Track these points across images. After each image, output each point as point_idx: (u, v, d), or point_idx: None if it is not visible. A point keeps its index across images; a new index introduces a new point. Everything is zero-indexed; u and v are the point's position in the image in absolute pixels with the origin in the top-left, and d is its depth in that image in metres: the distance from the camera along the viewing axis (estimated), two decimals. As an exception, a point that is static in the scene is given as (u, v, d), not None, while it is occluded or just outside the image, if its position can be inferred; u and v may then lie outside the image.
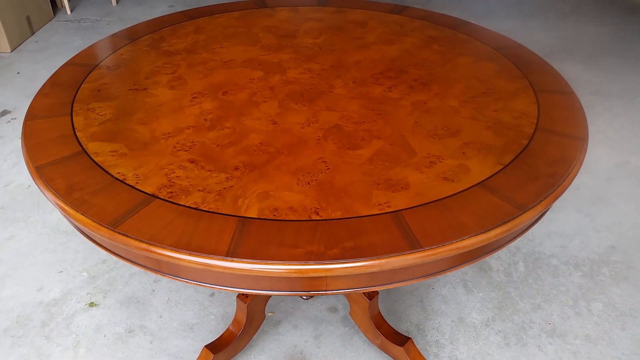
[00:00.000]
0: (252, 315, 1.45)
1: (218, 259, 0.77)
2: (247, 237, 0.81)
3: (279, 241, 0.80)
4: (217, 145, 1.02)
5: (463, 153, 1.00)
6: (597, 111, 2.73)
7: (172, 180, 0.93)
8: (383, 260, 0.77)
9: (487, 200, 0.88)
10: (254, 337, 1.57)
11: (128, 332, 1.62)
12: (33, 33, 3.58)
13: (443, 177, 0.94)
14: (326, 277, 0.80)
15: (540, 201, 0.88)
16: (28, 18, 3.50)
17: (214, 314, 1.68)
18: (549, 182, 0.92)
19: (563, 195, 0.91)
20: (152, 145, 1.02)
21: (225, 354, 1.43)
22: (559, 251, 1.93)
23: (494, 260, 1.88)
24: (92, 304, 1.72)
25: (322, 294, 0.79)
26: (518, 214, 0.85)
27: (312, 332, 1.62)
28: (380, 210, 0.86)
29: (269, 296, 1.47)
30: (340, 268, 0.77)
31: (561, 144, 1.02)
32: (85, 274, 1.83)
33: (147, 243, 0.80)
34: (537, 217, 0.89)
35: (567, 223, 2.05)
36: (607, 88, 2.93)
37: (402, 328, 1.63)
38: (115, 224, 0.83)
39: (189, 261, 0.78)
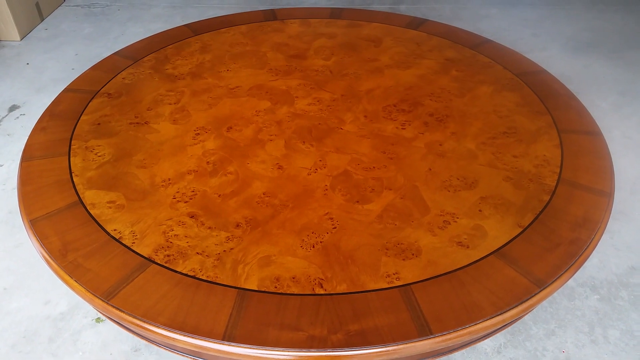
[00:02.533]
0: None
1: (214, 342, 0.73)
2: (246, 315, 0.77)
3: (280, 322, 0.76)
4: (219, 196, 0.97)
5: (480, 211, 0.94)
6: (624, 113, 2.61)
7: (169, 240, 0.89)
8: (390, 348, 0.72)
9: (504, 273, 0.82)
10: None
11: (134, 351, 1.61)
12: (42, 20, 3.52)
13: (457, 241, 0.88)
14: (329, 363, 0.76)
15: (560, 275, 0.82)
16: (37, 5, 3.44)
17: (221, 332, 1.66)
18: (570, 251, 0.86)
19: None
20: (151, 194, 0.98)
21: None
22: (577, 271, 1.86)
23: (508, 279, 1.83)
24: (98, 320, 1.71)
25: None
26: (536, 291, 0.80)
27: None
28: (388, 283, 0.81)
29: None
30: (345, 356, 0.72)
31: (585, 201, 0.95)
32: (92, 286, 1.81)
33: (140, 320, 0.76)
34: (554, 292, 0.83)
35: (585, 239, 1.98)
36: (635, 87, 2.80)
37: (411, 354, 1.59)
38: (109, 296, 0.79)
39: (184, 342, 0.74)
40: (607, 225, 2.04)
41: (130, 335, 1.65)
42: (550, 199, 0.95)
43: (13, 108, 2.72)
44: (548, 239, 0.88)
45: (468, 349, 1.64)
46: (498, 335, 1.65)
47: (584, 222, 0.91)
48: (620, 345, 1.62)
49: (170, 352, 0.86)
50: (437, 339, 0.73)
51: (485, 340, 1.64)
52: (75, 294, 0.80)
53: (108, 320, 1.69)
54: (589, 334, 1.66)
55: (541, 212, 0.93)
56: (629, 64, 2.99)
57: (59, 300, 1.78)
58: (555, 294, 1.77)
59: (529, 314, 1.74)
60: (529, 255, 0.85)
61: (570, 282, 1.82)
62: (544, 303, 1.75)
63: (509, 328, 1.66)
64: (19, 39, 3.28)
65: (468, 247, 0.87)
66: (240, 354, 0.73)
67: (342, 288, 0.80)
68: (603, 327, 1.68)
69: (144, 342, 1.63)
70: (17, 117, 2.64)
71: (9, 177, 2.25)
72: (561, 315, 1.73)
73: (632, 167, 2.31)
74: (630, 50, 3.11)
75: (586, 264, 1.88)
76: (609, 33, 3.30)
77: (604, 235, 2.00)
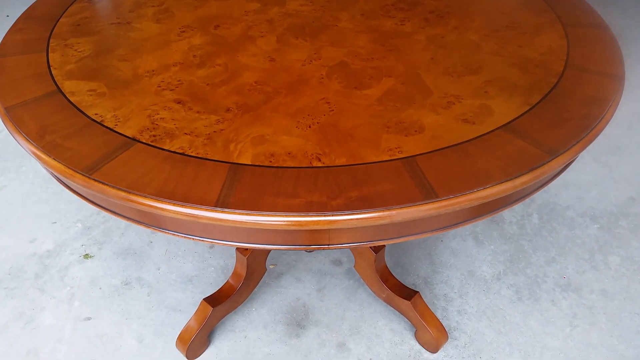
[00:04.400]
0: (252, 268, 1.38)
1: (206, 210, 0.68)
2: (240, 185, 0.71)
3: (276, 190, 0.71)
4: (207, 84, 0.91)
5: (485, 92, 0.88)
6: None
7: (155, 122, 0.83)
8: (393, 212, 0.68)
9: (513, 144, 0.77)
10: (255, 289, 1.50)
11: (124, 285, 1.56)
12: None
13: (463, 119, 0.83)
14: (329, 230, 0.71)
15: (573, 145, 0.78)
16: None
17: (214, 266, 1.61)
18: (582, 124, 0.81)
19: None
20: (134, 83, 0.92)
21: (224, 307, 1.37)
22: (575, 203, 1.83)
23: (506, 211, 1.79)
24: (86, 256, 1.65)
25: (324, 249, 0.70)
26: (548, 159, 0.75)
27: (315, 285, 1.55)
28: (390, 156, 0.76)
29: (270, 248, 1.40)
30: (345, 220, 0.68)
31: (595, 83, 0.90)
32: (79, 224, 1.76)
33: (125, 191, 0.70)
34: (567, 162, 0.78)
35: (584, 173, 1.95)
36: (629, 32, 2.76)
37: (409, 281, 1.56)
38: (90, 170, 0.74)
39: (174, 212, 0.69)
40: (605, 158, 2.01)
41: (121, 269, 1.60)
42: (559, 81, 0.90)
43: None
44: (558, 114, 0.83)
45: (466, 274, 1.61)
46: (497, 262, 1.63)
47: (595, 100, 0.86)
48: (621, 270, 1.60)
49: (159, 232, 0.80)
50: (443, 202, 0.69)
51: (484, 267, 1.61)
52: (54, 171, 0.74)
53: (97, 256, 1.64)
54: (589, 260, 1.64)
55: (550, 91, 0.88)
56: (624, 9, 2.94)
57: (45, 239, 1.72)
58: (554, 224, 1.74)
59: (528, 241, 1.71)
60: (539, 129, 0.80)
61: (570, 212, 1.79)
62: (544, 232, 1.72)
63: (508, 255, 1.63)
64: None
65: (474, 123, 0.82)
66: (234, 221, 0.67)
67: (341, 161, 0.75)
68: (603, 254, 1.65)
69: (134, 275, 1.58)
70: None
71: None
72: (561, 243, 1.70)
73: (628, 104, 2.27)
74: (627, -6, 3.05)
75: (585, 195, 1.85)
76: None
77: (602, 168, 1.97)
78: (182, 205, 0.69)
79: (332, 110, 0.85)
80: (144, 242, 1.69)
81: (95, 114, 0.84)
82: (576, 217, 1.78)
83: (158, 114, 0.84)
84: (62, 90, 0.90)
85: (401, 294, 1.37)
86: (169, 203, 0.69)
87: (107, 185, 0.72)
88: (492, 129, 0.80)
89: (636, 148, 2.06)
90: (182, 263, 1.62)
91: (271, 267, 1.60)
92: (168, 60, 0.97)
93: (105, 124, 0.82)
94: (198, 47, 1.01)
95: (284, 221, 0.67)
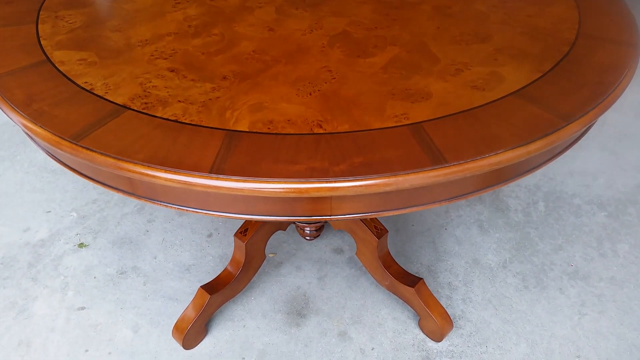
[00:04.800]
0: (251, 255, 1.33)
1: (201, 177, 0.64)
2: (236, 152, 0.67)
3: (275, 157, 0.66)
4: (203, 54, 0.87)
5: (495, 60, 0.84)
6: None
7: (147, 90, 0.78)
8: (400, 178, 0.63)
9: (526, 110, 0.73)
10: (254, 278, 1.46)
11: (120, 274, 1.52)
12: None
13: (472, 85, 0.79)
14: (331, 197, 0.66)
15: (589, 111, 0.73)
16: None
17: (212, 255, 1.57)
18: (597, 90, 0.77)
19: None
20: (126, 53, 0.87)
21: (222, 295, 1.32)
22: (582, 190, 1.79)
23: (511, 199, 1.75)
24: (81, 245, 1.61)
25: (325, 220, 0.66)
26: (563, 125, 0.71)
27: (315, 273, 1.51)
28: (396, 122, 0.72)
29: (269, 234, 1.35)
30: (349, 187, 0.63)
31: (609, 51, 0.86)
32: (74, 214, 1.71)
33: (115, 158, 0.66)
34: (583, 130, 0.74)
35: (590, 161, 1.91)
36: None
37: (412, 269, 1.52)
38: (78, 137, 0.69)
39: (166, 179, 0.65)
40: (612, 147, 1.97)
41: (116, 258, 1.56)
42: (571, 49, 0.86)
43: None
44: (572, 81, 0.79)
45: (471, 262, 1.57)
46: (502, 250, 1.58)
47: (609, 67, 0.82)
48: (629, 258, 1.56)
49: (151, 203, 0.76)
50: (453, 168, 0.64)
51: (490, 255, 1.56)
52: (41, 140, 0.70)
53: (91, 245, 1.60)
54: (597, 248, 1.60)
55: (562, 59, 0.84)
56: None
57: (38, 228, 1.68)
58: (561, 211, 1.70)
59: (535, 229, 1.67)
60: (552, 95, 0.76)
61: (577, 200, 1.75)
62: (550, 220, 1.68)
63: (514, 243, 1.59)
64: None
65: (484, 90, 0.77)
66: (231, 188, 0.63)
67: (343, 128, 0.71)
68: (612, 241, 1.61)
69: (130, 264, 1.54)
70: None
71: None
72: (568, 231, 1.66)
73: (635, 92, 2.23)
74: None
75: (591, 183, 1.81)
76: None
77: (609, 156, 1.93)
78: (175, 172, 0.64)
79: (334, 78, 0.81)
80: (140, 231, 1.65)
81: (85, 82, 0.80)
82: (583, 204, 1.74)
83: (150, 82, 0.80)
84: (51, 60, 0.86)
85: (405, 281, 1.33)
86: (161, 170, 0.65)
87: (95, 152, 0.67)
88: (503, 95, 0.76)
89: (643, 136, 2.01)
90: (180, 252, 1.58)
91: (270, 255, 1.56)
92: (162, 30, 0.93)
93: (95, 92, 0.78)
94: (193, 17, 0.97)
95: (284, 188, 0.63)
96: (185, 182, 0.64)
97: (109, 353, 1.32)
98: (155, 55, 0.86)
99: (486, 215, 1.69)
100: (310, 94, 0.77)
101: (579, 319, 1.39)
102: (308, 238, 1.51)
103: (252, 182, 0.63)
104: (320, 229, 1.47)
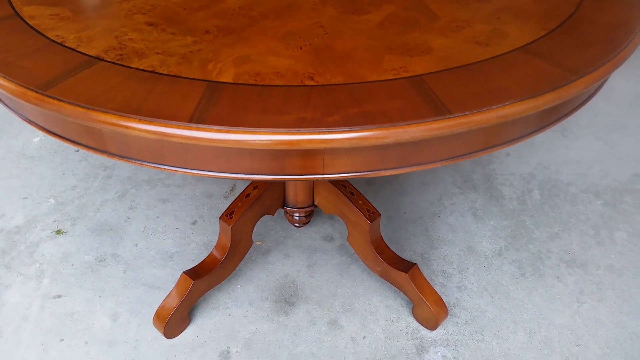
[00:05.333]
0: (238, 239, 1.27)
1: (180, 127, 0.57)
2: (219, 102, 0.61)
3: (262, 107, 0.60)
4: (184, 9, 0.81)
5: (497, 18, 0.79)
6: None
7: (123, 43, 0.72)
8: (400, 129, 0.58)
9: (533, 64, 0.68)
10: (241, 265, 1.39)
11: (99, 261, 1.44)
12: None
13: (474, 41, 0.73)
14: (324, 152, 0.60)
15: (599, 67, 0.68)
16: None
17: (197, 242, 1.50)
18: (607, 48, 0.72)
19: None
20: (102, 9, 0.81)
21: (206, 281, 1.25)
22: (577, 179, 1.75)
23: (506, 187, 1.70)
24: (59, 232, 1.53)
25: (317, 179, 0.60)
26: (573, 78, 0.65)
27: (305, 261, 1.44)
28: (394, 75, 0.66)
29: (256, 218, 1.29)
30: (344, 139, 0.57)
31: (617, 10, 0.81)
32: (52, 200, 1.63)
33: (84, 107, 0.60)
34: (593, 88, 0.69)
35: (585, 150, 1.87)
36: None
37: (405, 257, 1.46)
38: (45, 87, 0.63)
39: (140, 130, 0.58)
40: (607, 136, 1.93)
41: (95, 245, 1.48)
42: (577, 9, 0.81)
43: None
44: (579, 38, 0.74)
45: (466, 249, 1.51)
46: (498, 238, 1.53)
47: (618, 26, 0.77)
48: (627, 246, 1.51)
49: (125, 162, 0.70)
50: (458, 120, 0.59)
51: (484, 243, 1.51)
52: (4, 92, 0.63)
53: (69, 232, 1.52)
54: (594, 236, 1.55)
55: (568, 18, 0.79)
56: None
57: (14, 214, 1.60)
58: (556, 199, 1.66)
59: (530, 217, 1.62)
60: (559, 51, 0.71)
61: (572, 188, 1.71)
62: (545, 208, 1.63)
63: (509, 231, 1.54)
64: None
65: (488, 45, 0.72)
66: (212, 139, 0.57)
67: (337, 80, 0.65)
68: (609, 229, 1.57)
69: (110, 251, 1.46)
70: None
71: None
72: (564, 219, 1.61)
73: (627, 82, 2.20)
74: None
75: (587, 172, 1.77)
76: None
77: (604, 145, 1.89)
78: (151, 122, 0.58)
79: (327, 33, 0.75)
80: (121, 218, 1.57)
81: (57, 36, 0.74)
82: (579, 193, 1.70)
83: (127, 35, 0.74)
84: (21, 15, 0.79)
85: (398, 266, 1.27)
86: (135, 119, 0.58)
87: (63, 101, 0.61)
88: (507, 50, 0.71)
89: (638, 126, 1.98)
90: (162, 239, 1.51)
91: (258, 243, 1.50)
92: (141, -13, 0.86)
93: (67, 45, 0.72)
94: (175, -24, 0.90)
95: (272, 140, 0.57)
96: (161, 133, 0.58)
97: (86, 342, 1.24)
98: (133, 10, 0.80)
99: (480, 203, 1.64)
100: (301, 48, 0.71)
101: (577, 307, 1.34)
102: (297, 225, 1.44)
103: (237, 133, 0.57)
104: (309, 214, 1.41)
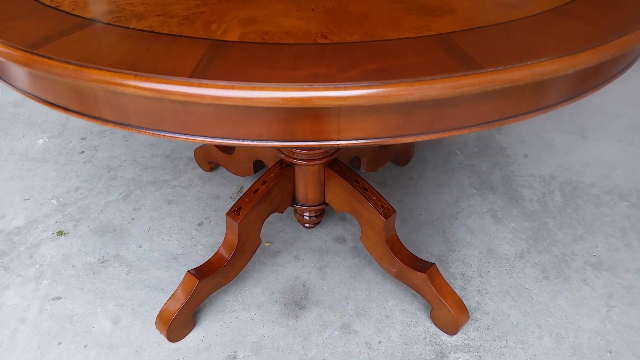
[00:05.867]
0: (245, 237, 1.20)
1: (180, 83, 0.52)
2: (224, 57, 0.55)
3: (271, 63, 0.54)
4: (190, -22, 0.76)
5: (524, -16, 0.73)
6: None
7: (122, 6, 0.67)
8: (425, 85, 0.51)
9: (566, 25, 0.62)
10: (248, 267, 1.32)
11: (101, 263, 1.38)
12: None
13: (501, 3, 0.67)
14: (339, 113, 0.54)
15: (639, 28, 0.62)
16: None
17: (203, 244, 1.43)
18: (647, 9, 0.65)
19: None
20: (102, -23, 0.76)
21: (212, 282, 1.18)
22: (600, 180, 1.67)
23: (525, 189, 1.63)
24: (60, 233, 1.48)
25: (332, 146, 0.54)
26: (613, 37, 0.59)
27: (316, 263, 1.37)
28: (417, 33, 0.60)
29: (265, 214, 1.22)
30: (362, 95, 0.51)
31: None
32: (54, 201, 1.58)
33: (76, 65, 0.54)
34: (635, 52, 0.63)
35: (606, 152, 1.79)
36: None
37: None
38: (34, 46, 0.57)
39: (137, 87, 0.52)
40: (629, 138, 1.86)
41: (98, 246, 1.42)
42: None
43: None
44: (612, 2, 0.68)
45: (485, 252, 1.43)
46: (519, 240, 1.45)
47: (657, -10, 0.70)
48: (658, 248, 1.43)
49: (120, 128, 0.64)
50: (490, 76, 0.52)
51: (505, 245, 1.43)
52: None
53: (71, 233, 1.46)
54: (621, 238, 1.47)
55: (602, -17, 0.73)
56: None
57: (14, 215, 1.55)
58: (579, 201, 1.58)
59: (552, 219, 1.54)
60: (594, 13, 0.65)
61: (595, 189, 1.63)
62: (568, 209, 1.55)
63: (531, 233, 1.46)
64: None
65: (516, 7, 0.66)
66: (216, 97, 0.51)
67: (353, 39, 0.59)
68: (637, 231, 1.48)
69: (113, 252, 1.40)
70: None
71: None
72: (588, 221, 1.53)
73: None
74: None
75: (610, 173, 1.69)
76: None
77: (626, 147, 1.81)
78: (148, 78, 0.52)
79: (341, -2, 0.69)
80: (125, 219, 1.51)
81: (51, 1, 0.69)
82: (602, 194, 1.62)
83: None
84: (14, -16, 0.74)
85: (415, 266, 1.19)
86: (131, 76, 0.52)
87: (53, 59, 0.55)
88: (538, 12, 0.65)
89: (662, 127, 1.90)
90: (167, 241, 1.44)
91: (267, 245, 1.43)
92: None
93: (61, 9, 0.66)
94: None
95: (282, 97, 0.51)
96: (160, 91, 0.52)
97: (85, 346, 1.17)
98: (134, -21, 0.75)
99: (499, 205, 1.57)
100: (313, 10, 0.66)
101: (607, 312, 1.25)
102: (307, 225, 1.38)
103: (243, 89, 0.51)
104: (320, 214, 1.34)
